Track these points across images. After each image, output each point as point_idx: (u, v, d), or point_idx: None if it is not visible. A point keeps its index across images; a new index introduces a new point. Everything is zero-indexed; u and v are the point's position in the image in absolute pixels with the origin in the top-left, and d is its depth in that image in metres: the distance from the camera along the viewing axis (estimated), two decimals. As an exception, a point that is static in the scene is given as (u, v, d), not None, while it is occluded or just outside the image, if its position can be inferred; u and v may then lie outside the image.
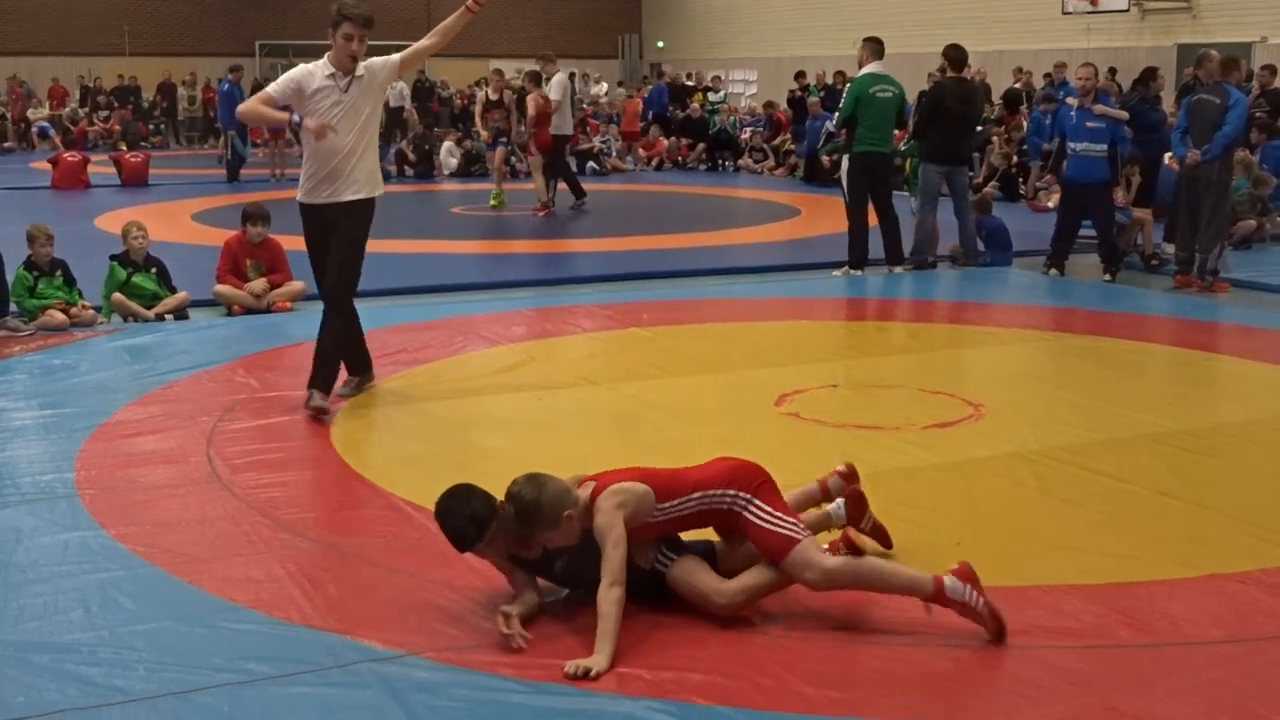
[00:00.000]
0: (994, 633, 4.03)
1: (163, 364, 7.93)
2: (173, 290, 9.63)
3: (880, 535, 4.78)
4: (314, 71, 6.79)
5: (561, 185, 17.05)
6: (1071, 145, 11.36)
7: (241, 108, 7.11)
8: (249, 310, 9.73)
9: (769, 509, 4.21)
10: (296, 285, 10.07)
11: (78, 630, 4.15)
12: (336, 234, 6.90)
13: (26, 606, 4.32)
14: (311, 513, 5.24)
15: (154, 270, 9.61)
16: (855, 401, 7.17)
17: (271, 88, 6.81)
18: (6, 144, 28.28)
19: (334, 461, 5.97)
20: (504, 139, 17.47)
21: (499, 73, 18.23)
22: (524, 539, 4.15)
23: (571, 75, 16.98)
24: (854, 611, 4.27)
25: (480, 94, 19.09)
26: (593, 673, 3.81)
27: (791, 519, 4.22)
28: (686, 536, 4.41)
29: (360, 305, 10.18)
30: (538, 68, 16.72)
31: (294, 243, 11.33)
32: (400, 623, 4.20)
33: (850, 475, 4.88)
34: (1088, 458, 5.96)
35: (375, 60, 6.95)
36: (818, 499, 4.85)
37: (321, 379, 6.82)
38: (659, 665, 3.88)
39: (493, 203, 16.99)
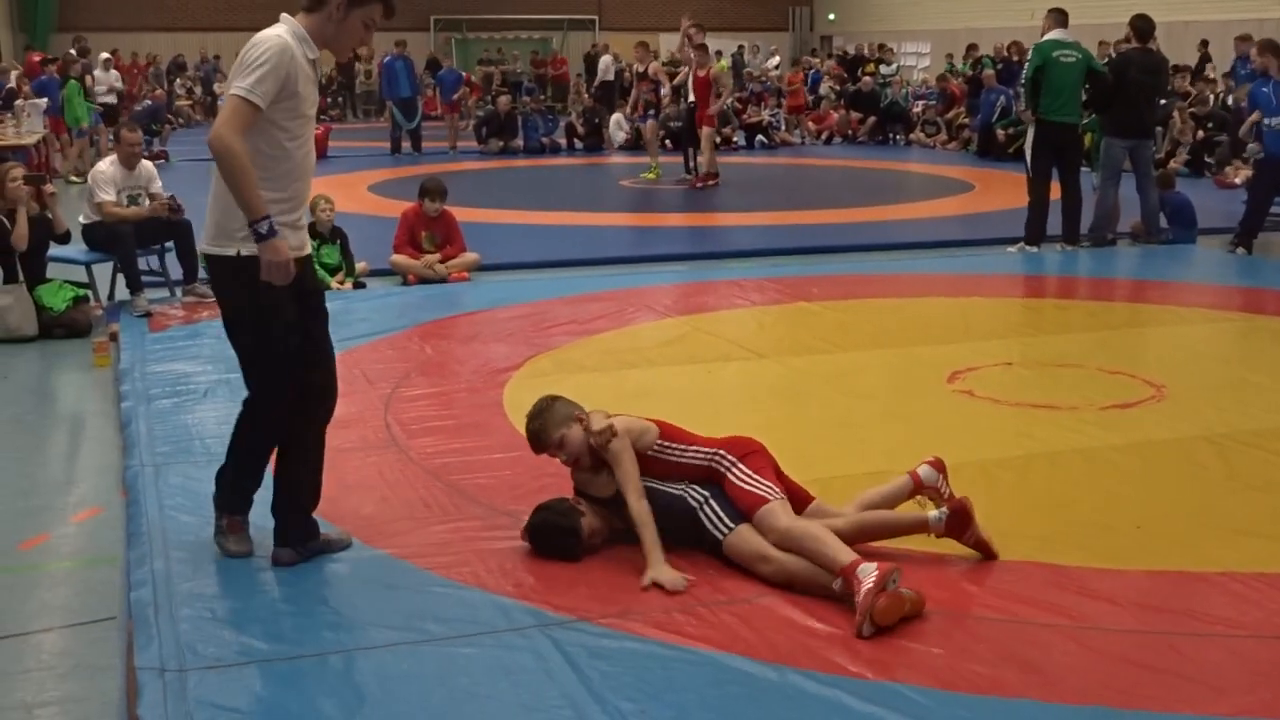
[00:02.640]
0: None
1: (342, 330, 8.04)
2: (351, 262, 9.82)
3: (985, 549, 4.47)
4: (295, 51, 4.32)
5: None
6: (1267, 121, 10.93)
7: (235, 163, 4.12)
8: (423, 280, 9.93)
9: (749, 472, 4.48)
10: (471, 256, 10.27)
11: (265, 586, 4.31)
12: (316, 304, 4.64)
13: (215, 562, 4.49)
14: (485, 478, 5.33)
15: (338, 242, 9.84)
16: (1031, 380, 7.01)
17: (252, 93, 4.17)
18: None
19: (507, 429, 6.06)
20: (653, 111, 17.50)
21: (644, 45, 18.23)
22: (543, 444, 4.63)
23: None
24: (1029, 593, 4.20)
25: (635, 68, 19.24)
26: (661, 582, 4.21)
27: (769, 483, 4.44)
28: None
29: (531, 276, 10.44)
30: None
31: (466, 214, 11.58)
32: (571, 588, 4.26)
33: (939, 465, 4.72)
34: (1277, 442, 5.74)
35: None
36: (910, 491, 4.69)
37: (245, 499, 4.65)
38: (820, 643, 3.87)
39: (649, 175, 17.05)
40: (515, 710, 3.48)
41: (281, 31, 4.32)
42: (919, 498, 4.67)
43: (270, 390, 4.49)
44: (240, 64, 4.27)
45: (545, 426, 4.61)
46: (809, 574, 4.17)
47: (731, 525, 4.38)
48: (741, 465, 4.51)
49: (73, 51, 20.56)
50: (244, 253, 4.28)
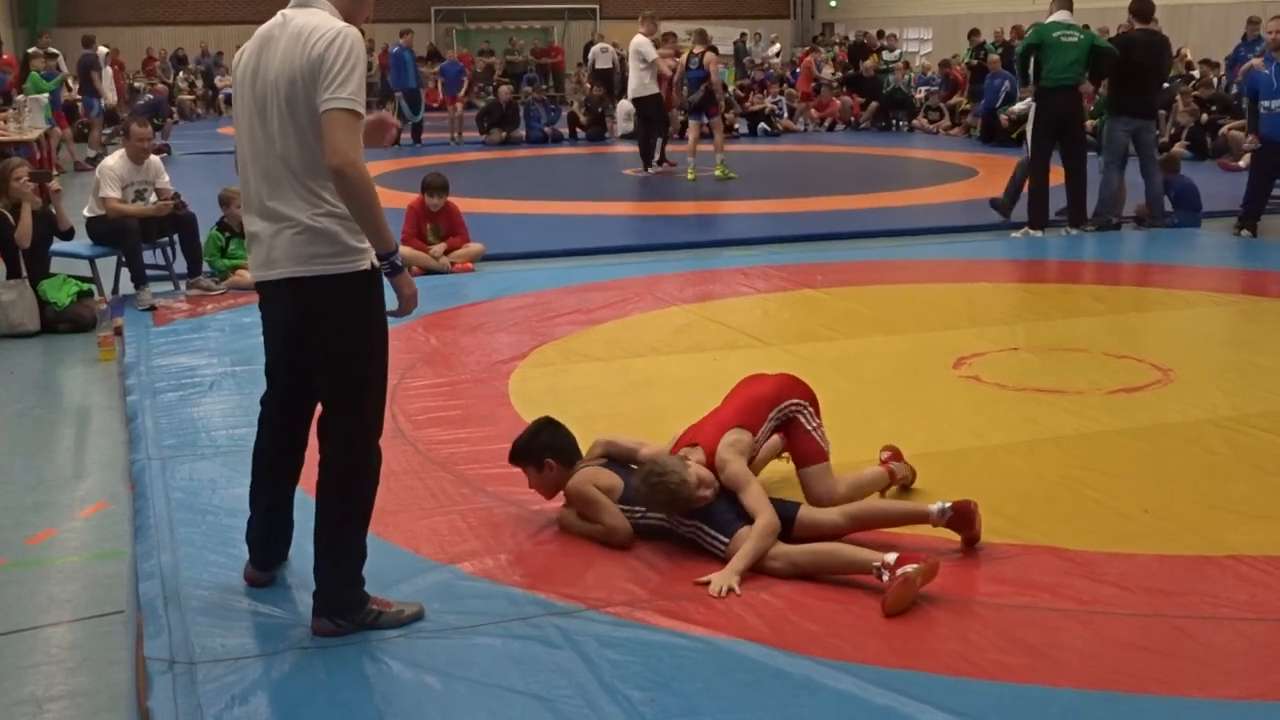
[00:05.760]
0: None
1: (346, 323, 8.12)
2: None
3: (973, 542, 4.48)
4: None
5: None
6: (1265, 103, 10.89)
7: (369, 189, 3.64)
8: (428, 271, 9.91)
9: (818, 421, 4.85)
10: (475, 247, 10.26)
11: (274, 578, 4.29)
12: None
13: (222, 554, 4.48)
14: (492, 468, 5.32)
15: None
16: (1037, 365, 6.99)
17: (356, 103, 3.63)
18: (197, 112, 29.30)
19: (512, 419, 6.05)
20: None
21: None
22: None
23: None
24: (1037, 578, 4.20)
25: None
26: (725, 589, 4.08)
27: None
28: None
29: (535, 266, 10.44)
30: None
31: (469, 205, 11.56)
32: (579, 577, 4.27)
33: (898, 455, 5.07)
34: (1285, 425, 5.73)
35: None
36: (886, 482, 4.97)
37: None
38: (827, 631, 3.87)
39: (718, 173, 16.00)
40: (525, 699, 3.49)
41: (341, 22, 3.73)
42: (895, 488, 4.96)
43: (379, 423, 3.95)
44: (322, 66, 3.61)
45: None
46: (817, 563, 4.21)
47: (726, 539, 4.34)
48: (810, 410, 4.83)
49: (54, 50, 20.68)
50: (377, 263, 3.80)
